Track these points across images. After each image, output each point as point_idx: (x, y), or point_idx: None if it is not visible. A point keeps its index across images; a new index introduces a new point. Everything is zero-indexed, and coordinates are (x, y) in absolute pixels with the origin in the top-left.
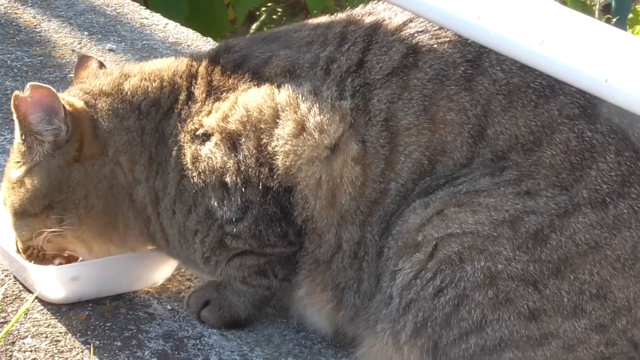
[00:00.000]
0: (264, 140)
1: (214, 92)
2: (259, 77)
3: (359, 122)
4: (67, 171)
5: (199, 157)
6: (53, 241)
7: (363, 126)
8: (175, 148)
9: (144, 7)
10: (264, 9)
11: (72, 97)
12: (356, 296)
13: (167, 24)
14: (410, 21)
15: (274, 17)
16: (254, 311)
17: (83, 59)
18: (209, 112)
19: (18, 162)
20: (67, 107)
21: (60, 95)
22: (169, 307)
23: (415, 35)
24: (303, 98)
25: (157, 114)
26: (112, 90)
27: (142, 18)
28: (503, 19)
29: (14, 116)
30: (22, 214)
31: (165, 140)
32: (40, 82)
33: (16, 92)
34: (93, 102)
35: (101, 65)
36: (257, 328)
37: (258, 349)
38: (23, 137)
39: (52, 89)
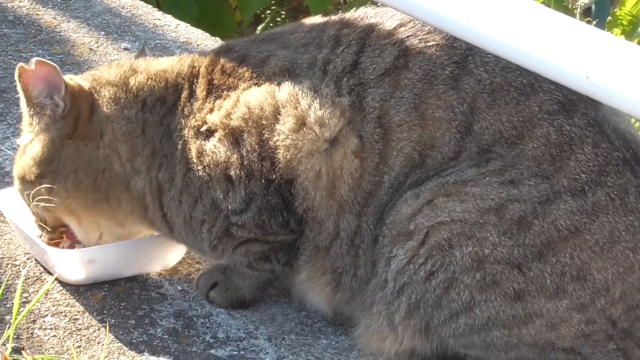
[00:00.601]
0: (265, 135)
1: (214, 91)
2: (258, 76)
3: (355, 119)
4: (60, 146)
5: (203, 152)
6: (50, 210)
7: (359, 123)
8: (180, 142)
9: (157, 9)
10: (268, 12)
11: (82, 80)
12: (353, 280)
13: (179, 24)
14: (401, 26)
15: (278, 19)
16: (258, 292)
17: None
18: (211, 110)
19: (24, 131)
20: (74, 86)
21: (70, 75)
22: (180, 288)
23: (406, 39)
24: (303, 95)
25: (161, 109)
26: (118, 81)
27: (155, 19)
28: (491, 20)
29: (18, 87)
30: (22, 180)
31: (171, 134)
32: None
33: (21, 64)
34: (98, 88)
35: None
36: (262, 308)
37: (262, 327)
38: (27, 108)
39: (56, 66)
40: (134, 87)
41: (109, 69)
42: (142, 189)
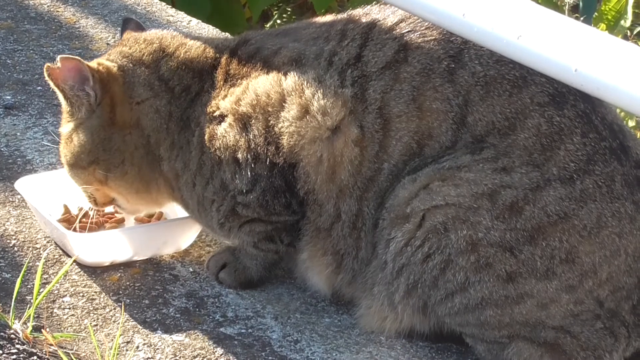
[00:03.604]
0: (271, 121)
1: (230, 79)
2: (268, 66)
3: (357, 110)
4: (109, 132)
5: (215, 136)
6: (100, 190)
7: (361, 113)
8: (197, 129)
9: (170, 6)
10: (275, 10)
11: (109, 62)
12: (355, 262)
13: (190, 21)
14: (401, 22)
15: (284, 16)
16: (265, 273)
17: (127, 22)
18: (225, 96)
19: (67, 119)
20: (102, 70)
21: (98, 59)
22: (191, 270)
23: (406, 34)
24: (308, 84)
25: (185, 100)
26: (151, 63)
27: (168, 16)
28: (485, 15)
29: (51, 85)
30: (73, 165)
31: (189, 125)
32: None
33: (47, 64)
34: (131, 66)
35: (139, 26)
36: (268, 288)
37: (269, 307)
38: (65, 101)
39: (80, 59)
40: (165, 74)
41: (137, 44)
42: (167, 172)
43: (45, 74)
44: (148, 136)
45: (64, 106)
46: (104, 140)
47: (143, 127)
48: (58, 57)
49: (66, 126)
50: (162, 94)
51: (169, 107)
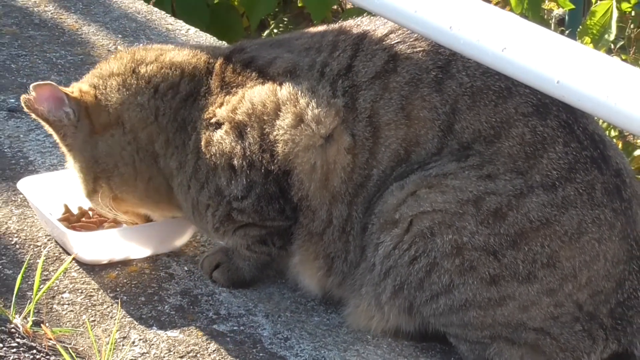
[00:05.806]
0: (266, 130)
1: (225, 87)
2: (264, 76)
3: (348, 118)
4: (93, 143)
5: (211, 142)
6: (115, 202)
7: (352, 122)
8: (194, 134)
9: (170, 15)
10: (272, 21)
11: (80, 84)
12: (344, 264)
13: (189, 29)
14: (391, 33)
15: (281, 25)
16: (257, 273)
17: None
18: (221, 104)
19: (64, 152)
20: (75, 91)
21: (75, 84)
22: (186, 269)
23: (395, 45)
24: (302, 94)
25: (173, 99)
26: (124, 70)
27: (167, 24)
28: (471, 28)
29: (33, 116)
30: (88, 194)
31: (185, 127)
32: (74, 79)
33: (23, 96)
34: (101, 82)
35: None
36: (260, 287)
37: (261, 305)
38: (51, 129)
39: (52, 83)
40: (145, 74)
41: (107, 63)
42: (164, 169)
43: (23, 105)
44: (134, 132)
45: (57, 139)
46: (92, 150)
47: (125, 123)
48: (31, 86)
49: (68, 162)
50: (142, 91)
51: (153, 101)
